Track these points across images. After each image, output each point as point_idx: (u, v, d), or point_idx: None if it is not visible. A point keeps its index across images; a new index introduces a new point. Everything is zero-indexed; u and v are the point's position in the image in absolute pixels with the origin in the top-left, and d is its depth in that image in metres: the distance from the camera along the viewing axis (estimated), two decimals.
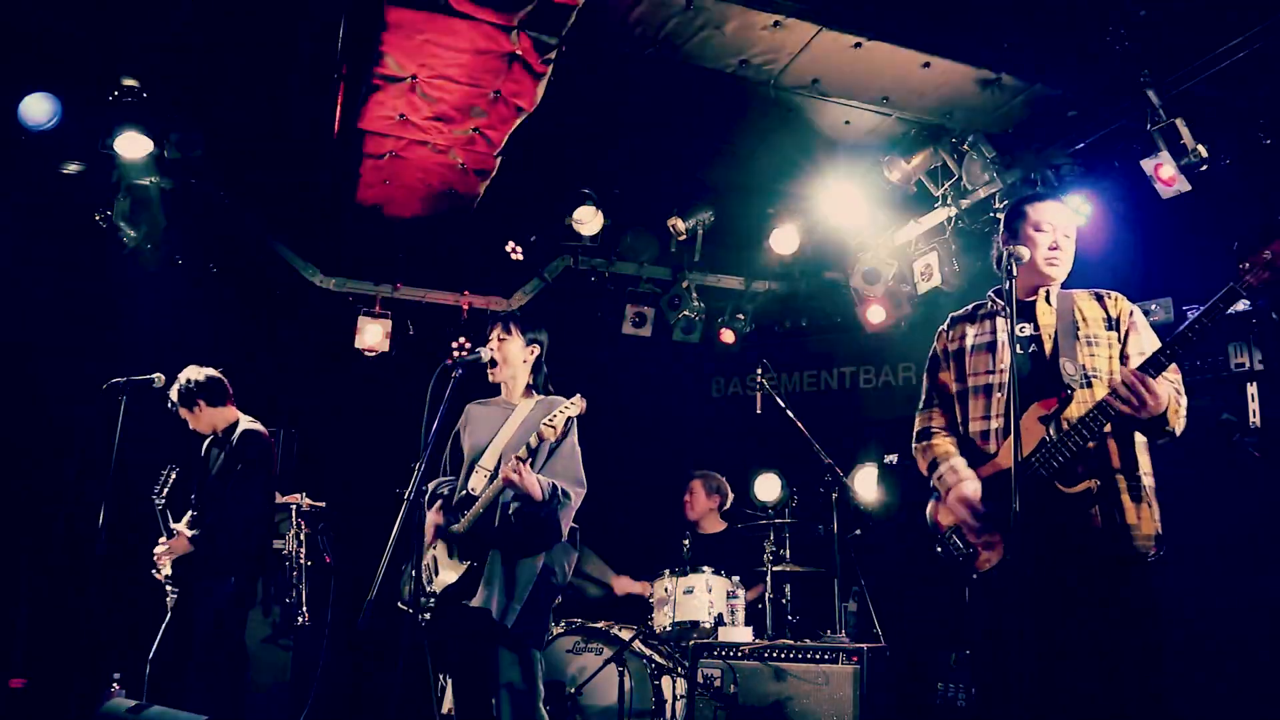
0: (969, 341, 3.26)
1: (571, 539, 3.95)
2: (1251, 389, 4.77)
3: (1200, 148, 4.64)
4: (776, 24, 4.34)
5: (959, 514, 3.07)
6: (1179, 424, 2.89)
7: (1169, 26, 4.50)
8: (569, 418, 3.70)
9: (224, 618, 4.66)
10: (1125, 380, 2.76)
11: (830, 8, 4.37)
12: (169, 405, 4.94)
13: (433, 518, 3.97)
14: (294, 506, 5.63)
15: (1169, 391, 2.84)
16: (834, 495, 5.41)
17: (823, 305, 7.52)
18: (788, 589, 5.49)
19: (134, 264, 6.05)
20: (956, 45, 4.63)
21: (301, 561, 5.55)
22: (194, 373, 4.98)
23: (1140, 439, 3.00)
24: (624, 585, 6.28)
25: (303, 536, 5.60)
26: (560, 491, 3.76)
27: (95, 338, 5.97)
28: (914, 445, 3.35)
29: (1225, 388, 4.81)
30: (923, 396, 3.41)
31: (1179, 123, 4.66)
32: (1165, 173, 4.77)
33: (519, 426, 3.97)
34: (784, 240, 6.63)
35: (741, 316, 7.46)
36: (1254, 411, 4.73)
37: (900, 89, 4.92)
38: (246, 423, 5.00)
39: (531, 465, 3.73)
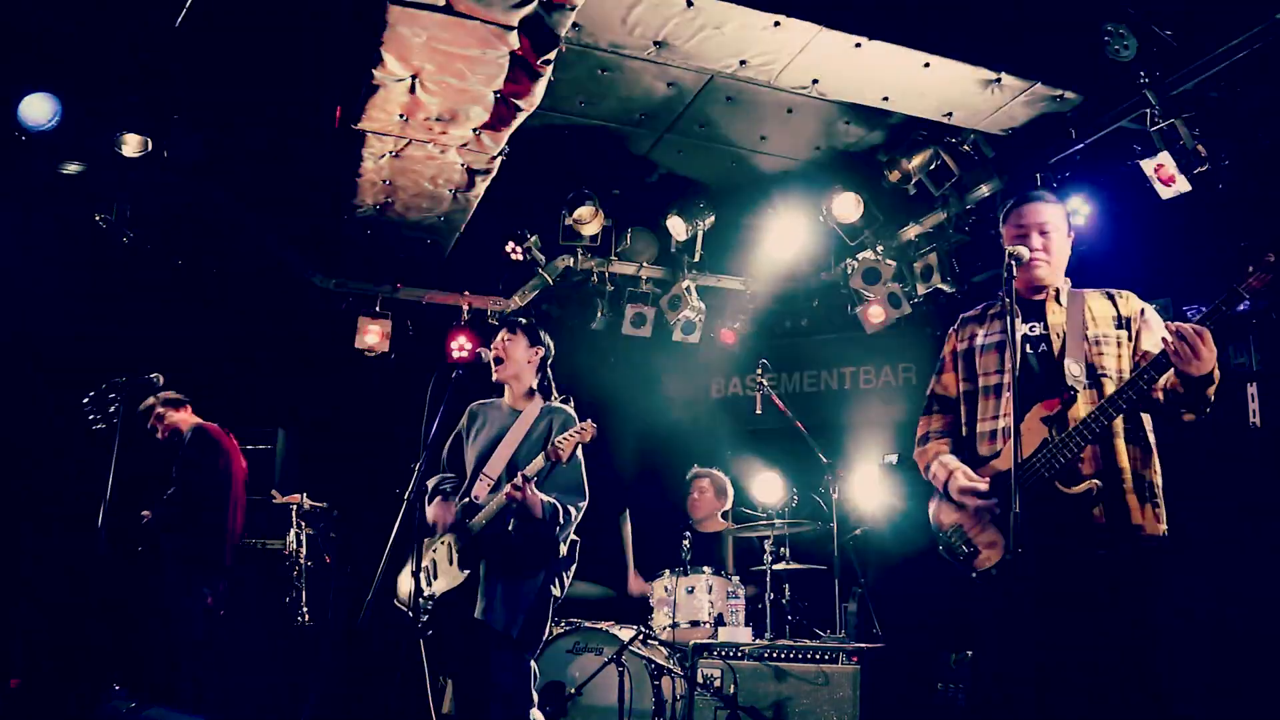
0: (979, 341, 3.26)
1: (572, 550, 3.97)
2: (1251, 389, 4.77)
3: (1200, 148, 4.64)
4: (776, 24, 4.34)
5: (968, 503, 3.06)
6: (1213, 395, 2.85)
7: (1169, 26, 4.51)
8: (579, 444, 3.71)
9: (178, 609, 4.73)
10: (1179, 331, 2.72)
11: (830, 8, 4.37)
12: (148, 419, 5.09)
13: (436, 511, 3.96)
14: (294, 506, 5.63)
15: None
16: (834, 495, 5.42)
17: (823, 305, 7.53)
18: (787, 589, 5.49)
19: (134, 264, 6.05)
20: (957, 45, 4.63)
21: (301, 561, 5.55)
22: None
23: (1151, 438, 2.99)
24: (639, 585, 6.28)
25: (303, 536, 5.60)
26: (561, 511, 3.77)
27: (95, 338, 5.97)
28: (915, 449, 3.38)
29: (1225, 388, 4.81)
30: (925, 401, 3.42)
31: (1179, 123, 4.66)
32: (1165, 173, 4.77)
33: (524, 434, 3.97)
34: (784, 240, 6.64)
35: (742, 316, 7.46)
36: (1254, 411, 4.73)
37: (900, 89, 4.92)
38: (196, 422, 5.26)
39: (536, 481, 3.75)
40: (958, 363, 3.32)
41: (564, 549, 3.86)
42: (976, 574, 3.05)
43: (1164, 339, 2.75)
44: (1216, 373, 2.80)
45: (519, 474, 3.66)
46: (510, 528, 3.78)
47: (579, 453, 3.89)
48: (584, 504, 3.92)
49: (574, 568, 4.01)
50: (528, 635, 3.73)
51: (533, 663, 3.82)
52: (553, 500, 3.75)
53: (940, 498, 3.21)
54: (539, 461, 3.69)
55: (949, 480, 3.12)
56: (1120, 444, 2.93)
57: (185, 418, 5.33)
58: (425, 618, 3.87)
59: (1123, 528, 2.88)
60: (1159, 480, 2.98)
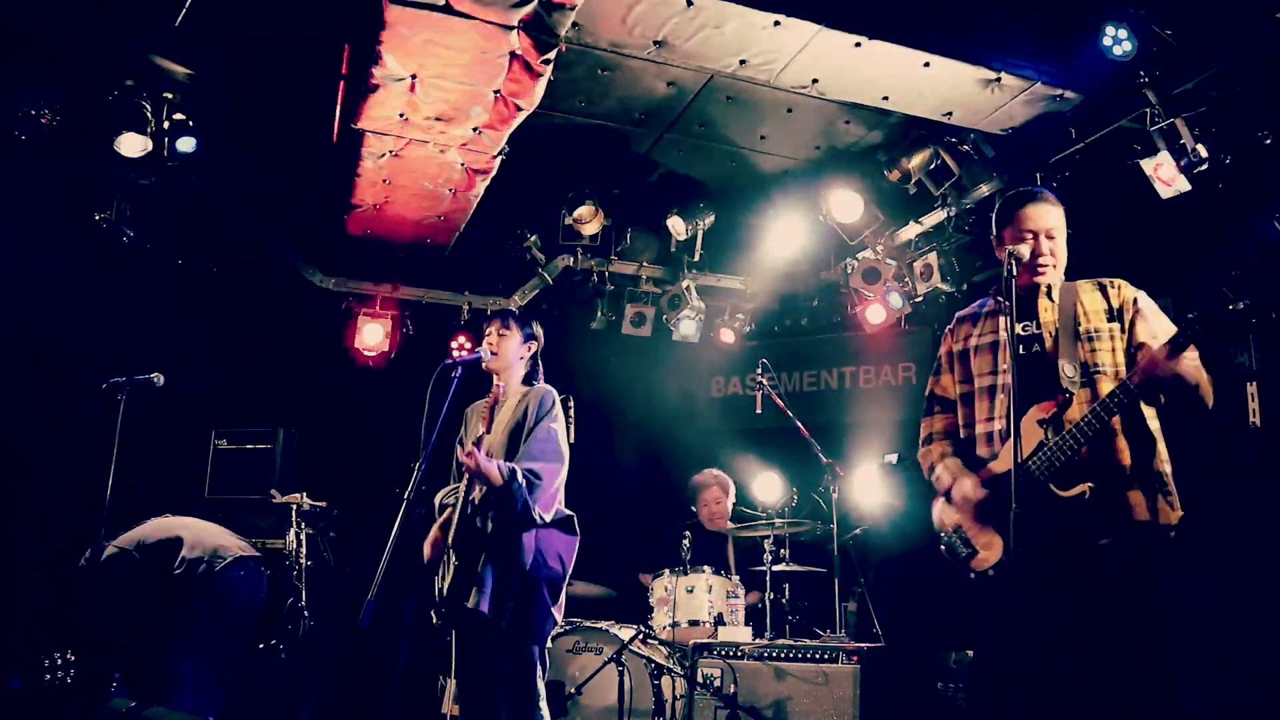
0: (973, 342, 3.26)
1: (569, 525, 3.93)
2: (1251, 389, 4.77)
3: (1200, 148, 4.64)
4: (776, 23, 4.34)
5: (965, 512, 3.08)
6: (1209, 397, 2.85)
7: (1169, 26, 4.51)
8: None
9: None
10: (1155, 359, 2.74)
11: (830, 8, 4.37)
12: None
13: (433, 535, 3.96)
14: (294, 506, 5.63)
15: (1197, 365, 2.82)
16: (834, 495, 5.42)
17: (823, 305, 7.53)
18: (787, 589, 5.49)
19: (134, 264, 6.05)
20: (957, 45, 4.63)
21: (301, 561, 5.54)
22: None
23: (1156, 426, 2.97)
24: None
25: (303, 536, 5.60)
26: (525, 473, 3.72)
27: (95, 337, 5.97)
28: (919, 450, 3.39)
29: (1225, 388, 4.81)
30: (925, 402, 3.43)
31: (1179, 123, 4.66)
32: (1165, 173, 4.77)
33: (506, 422, 4.00)
34: (784, 240, 6.64)
35: (741, 316, 7.46)
36: (1254, 411, 4.73)
37: (900, 89, 4.91)
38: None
39: (510, 451, 3.77)
40: (954, 364, 3.32)
41: (544, 516, 3.76)
42: (975, 574, 3.07)
43: (1129, 375, 2.80)
44: (1203, 387, 2.82)
45: (469, 441, 3.68)
46: (479, 502, 3.78)
47: (550, 421, 3.90)
48: (559, 467, 3.85)
49: (575, 545, 3.94)
50: (520, 622, 3.67)
51: (539, 652, 3.75)
52: (511, 464, 3.74)
53: (943, 499, 3.22)
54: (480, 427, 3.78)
55: (953, 485, 3.13)
56: (1120, 441, 2.91)
57: None
58: (438, 618, 3.87)
59: (1123, 526, 2.86)
60: (1167, 469, 2.95)
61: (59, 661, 4.22)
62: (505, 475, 3.70)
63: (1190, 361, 2.77)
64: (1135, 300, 3.07)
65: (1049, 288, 3.14)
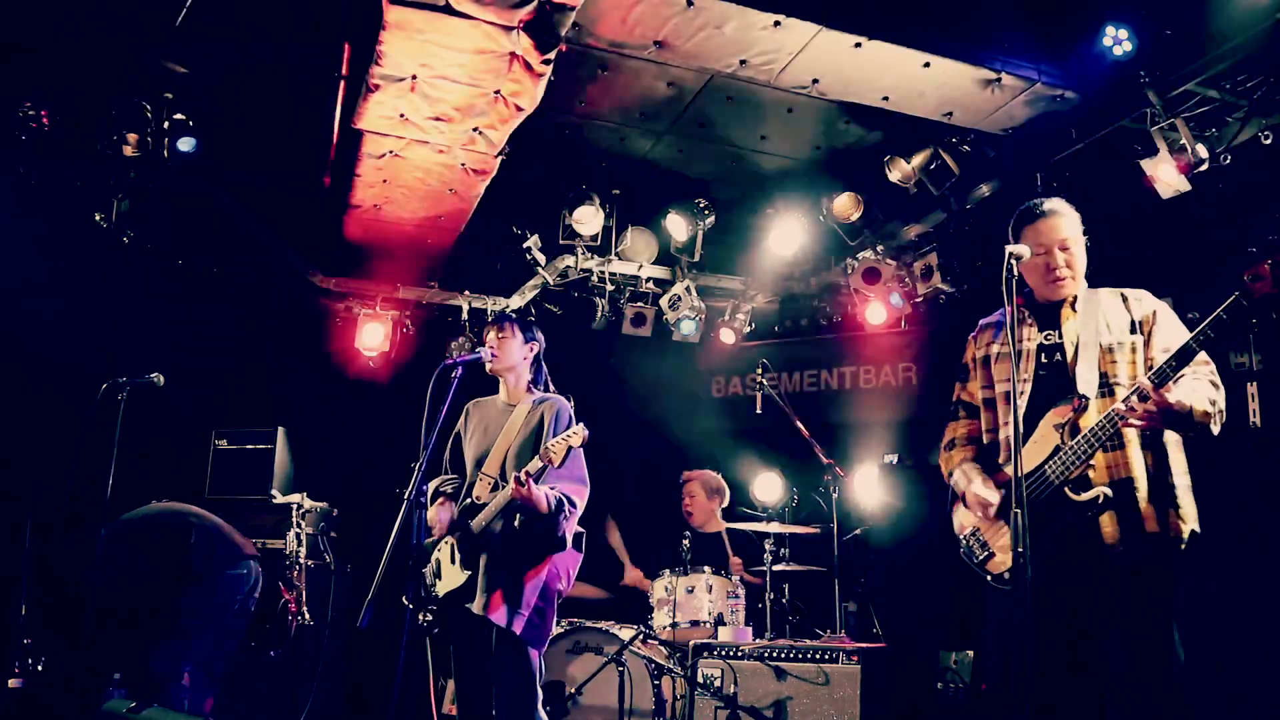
0: (995, 349, 3.26)
1: (577, 543, 3.96)
2: (1251, 389, 4.77)
3: (1200, 148, 4.63)
4: (777, 24, 4.34)
5: (976, 513, 3.10)
6: (1214, 423, 2.84)
7: (1169, 26, 4.51)
8: (570, 448, 3.70)
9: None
10: (1139, 390, 2.75)
11: (830, 8, 4.37)
12: None
13: (435, 513, 3.96)
14: (294, 506, 5.62)
15: (1198, 393, 2.81)
16: (834, 495, 5.41)
17: (823, 305, 7.53)
18: (787, 589, 5.49)
19: (134, 264, 6.05)
20: (957, 45, 4.63)
21: (301, 561, 5.54)
22: None
23: (1172, 439, 2.96)
24: (633, 577, 6.29)
25: (303, 536, 5.60)
26: (567, 502, 3.77)
27: (95, 338, 5.96)
28: (940, 454, 3.40)
29: (1225, 388, 4.80)
30: (951, 405, 3.43)
31: (1179, 122, 4.66)
32: (1165, 173, 4.77)
33: (519, 430, 3.97)
34: (784, 240, 6.64)
35: (741, 316, 7.46)
36: (1254, 411, 4.73)
37: (900, 89, 4.91)
38: None
39: (523, 460, 3.75)
40: (977, 369, 3.32)
41: (569, 540, 3.85)
42: (990, 577, 3.08)
43: (1117, 408, 2.79)
44: (1204, 402, 2.81)
45: (522, 471, 3.66)
46: (516, 523, 3.78)
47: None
48: (587, 492, 3.90)
49: (580, 560, 3.99)
50: (531, 630, 3.72)
51: (538, 656, 3.80)
52: (558, 493, 3.75)
53: (961, 504, 3.24)
54: (537, 461, 3.69)
55: (969, 488, 3.15)
56: (1133, 451, 2.91)
57: None
58: (430, 617, 3.87)
59: (1134, 535, 2.86)
60: (1183, 480, 2.93)
61: (59, 665, 4.21)
62: (554, 506, 3.71)
63: (1180, 390, 2.78)
64: (1155, 313, 3.06)
65: (1073, 299, 3.13)
